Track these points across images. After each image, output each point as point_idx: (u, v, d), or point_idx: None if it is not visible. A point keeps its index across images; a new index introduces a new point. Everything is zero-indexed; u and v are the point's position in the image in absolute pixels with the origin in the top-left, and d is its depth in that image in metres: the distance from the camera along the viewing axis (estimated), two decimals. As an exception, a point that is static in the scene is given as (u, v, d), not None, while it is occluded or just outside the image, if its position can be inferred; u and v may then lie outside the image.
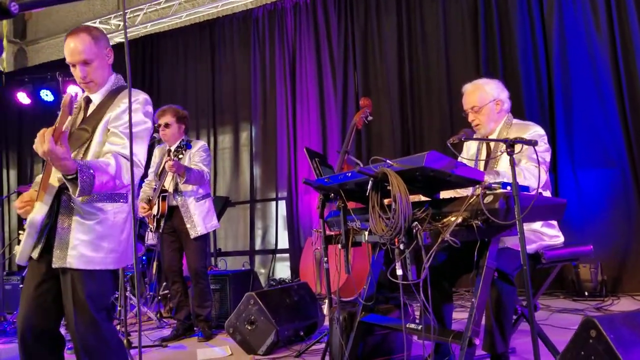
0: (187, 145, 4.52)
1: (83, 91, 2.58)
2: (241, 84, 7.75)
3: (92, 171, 2.15)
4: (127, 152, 2.33)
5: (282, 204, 7.35)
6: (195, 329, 4.57)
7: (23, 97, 7.98)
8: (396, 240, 2.28)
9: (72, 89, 7.35)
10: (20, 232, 2.41)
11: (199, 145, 4.59)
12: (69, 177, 2.14)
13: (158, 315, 5.40)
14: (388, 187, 2.27)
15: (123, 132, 2.37)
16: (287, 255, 7.28)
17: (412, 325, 2.54)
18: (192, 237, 4.43)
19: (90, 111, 2.49)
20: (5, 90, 9.07)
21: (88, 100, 2.54)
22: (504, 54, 5.95)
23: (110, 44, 2.57)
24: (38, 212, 2.32)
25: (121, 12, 8.70)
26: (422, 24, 6.47)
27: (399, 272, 2.29)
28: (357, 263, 5.29)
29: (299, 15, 7.31)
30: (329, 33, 7.07)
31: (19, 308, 2.41)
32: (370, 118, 4.44)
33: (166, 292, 5.75)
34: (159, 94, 8.30)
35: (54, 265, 2.30)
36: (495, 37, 5.97)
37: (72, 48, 2.41)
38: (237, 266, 7.22)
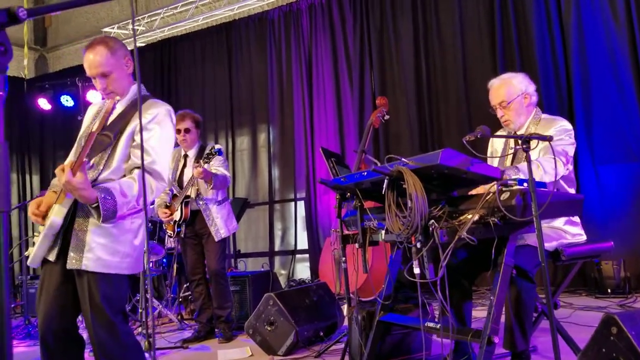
0: (219, 152, 4.44)
1: (103, 97, 2.62)
2: (258, 86, 7.78)
3: (114, 198, 2.24)
4: (153, 167, 2.43)
5: (301, 205, 7.35)
6: (215, 330, 4.60)
7: (44, 103, 8.12)
8: (413, 238, 2.27)
9: (91, 95, 7.46)
10: (36, 234, 2.43)
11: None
12: (92, 205, 2.23)
13: (179, 317, 5.45)
14: (404, 186, 2.26)
15: (149, 146, 2.43)
16: (306, 255, 7.28)
17: (431, 324, 2.52)
18: (216, 240, 4.47)
19: (112, 118, 2.53)
20: (27, 96, 9.23)
21: (112, 109, 2.58)
22: (521, 49, 5.89)
23: (129, 49, 2.60)
24: (58, 215, 2.34)
25: (139, 17, 8.79)
26: (437, 22, 6.43)
27: (417, 270, 2.28)
28: (376, 263, 5.28)
29: (314, 15, 7.31)
30: (345, 33, 7.07)
31: (37, 311, 2.43)
32: (387, 117, 4.42)
33: (187, 294, 5.79)
34: (177, 96, 8.37)
35: (68, 267, 2.32)
36: (512, 32, 5.91)
37: (90, 61, 2.46)
38: (257, 267, 7.25)
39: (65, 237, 2.38)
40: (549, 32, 5.73)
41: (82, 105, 7.53)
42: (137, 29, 8.85)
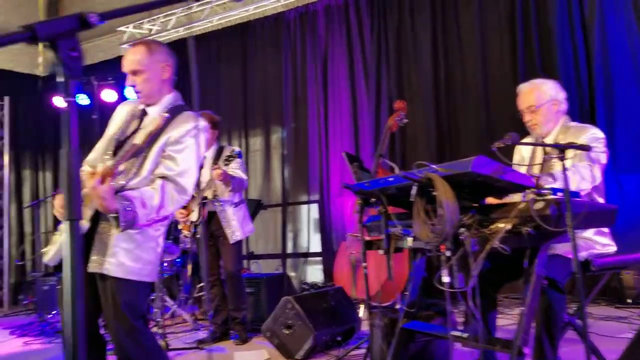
0: (239, 155, 4.42)
1: (120, 99, 2.63)
2: (272, 87, 7.75)
3: (134, 209, 2.22)
4: (179, 179, 2.41)
5: (314, 207, 7.30)
6: (230, 332, 4.59)
7: (59, 101, 8.12)
8: (442, 247, 2.24)
9: (106, 94, 7.45)
10: (58, 233, 2.42)
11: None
12: (112, 215, 2.22)
13: (193, 317, 5.43)
14: (433, 193, 2.23)
15: (180, 158, 2.43)
16: (318, 258, 7.23)
17: (458, 333, 2.49)
18: (231, 242, 4.45)
19: (145, 124, 2.52)
20: (42, 94, 9.25)
21: (144, 113, 2.57)
22: (542, 53, 5.77)
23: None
24: (84, 217, 2.34)
25: (153, 17, 8.78)
26: (457, 23, 6.35)
27: (446, 279, 2.25)
28: (394, 267, 5.24)
29: (330, 17, 7.26)
30: (362, 34, 7.00)
31: (60, 312, 2.43)
32: (405, 121, 4.38)
33: (201, 294, 5.78)
34: (190, 97, 8.34)
35: (89, 270, 2.32)
36: (533, 35, 5.81)
37: (127, 58, 2.51)
38: (269, 269, 7.21)
39: (88, 239, 2.37)
40: (571, 36, 5.61)
41: (97, 104, 7.52)
42: (152, 29, 8.84)
